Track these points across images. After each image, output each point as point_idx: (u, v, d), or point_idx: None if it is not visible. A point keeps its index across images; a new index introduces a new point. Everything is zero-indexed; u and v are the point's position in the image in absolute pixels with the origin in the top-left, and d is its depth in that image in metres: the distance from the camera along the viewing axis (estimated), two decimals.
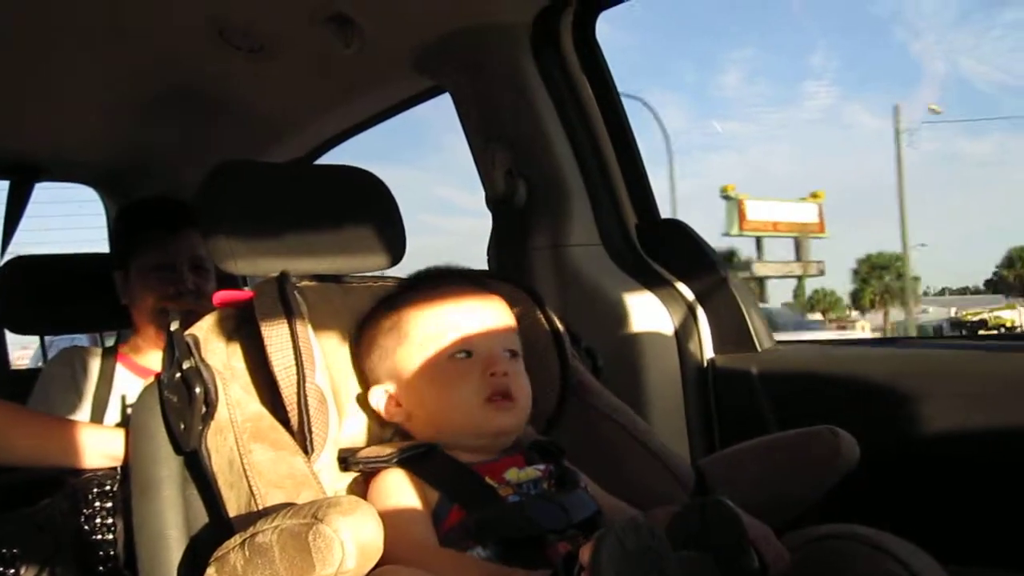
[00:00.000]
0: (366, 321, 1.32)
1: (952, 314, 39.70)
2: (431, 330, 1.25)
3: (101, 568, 1.46)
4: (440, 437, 1.22)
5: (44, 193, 2.95)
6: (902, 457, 1.59)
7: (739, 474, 1.39)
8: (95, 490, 1.47)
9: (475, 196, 2.18)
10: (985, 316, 34.64)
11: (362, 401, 1.31)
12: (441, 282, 1.32)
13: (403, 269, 1.48)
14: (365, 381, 1.31)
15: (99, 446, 1.47)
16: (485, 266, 2.19)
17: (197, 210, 2.07)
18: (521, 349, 1.30)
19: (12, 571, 1.41)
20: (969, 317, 36.15)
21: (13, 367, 3.00)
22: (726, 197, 28.55)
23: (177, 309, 1.94)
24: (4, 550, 1.41)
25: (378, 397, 1.27)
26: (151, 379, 1.26)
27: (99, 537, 1.46)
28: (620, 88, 2.10)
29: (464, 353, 1.23)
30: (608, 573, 0.85)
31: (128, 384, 1.98)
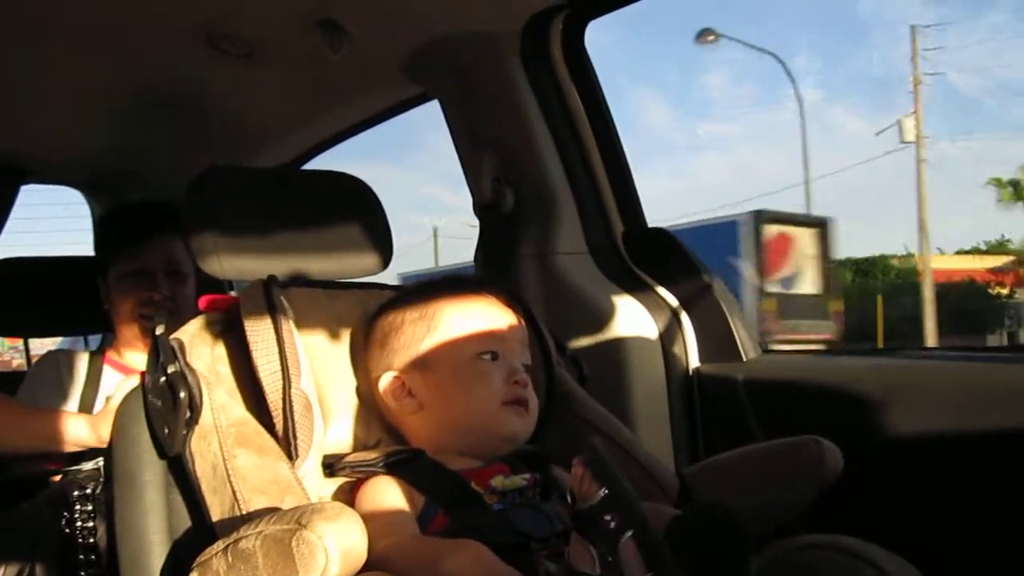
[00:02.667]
0: (387, 308, 1.33)
1: None
2: (463, 325, 1.26)
3: (83, 573, 1.46)
4: (440, 436, 1.23)
5: (31, 195, 2.94)
6: (886, 467, 1.59)
7: (723, 483, 1.39)
8: (76, 493, 1.47)
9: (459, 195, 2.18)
10: None
11: (348, 407, 1.31)
12: (471, 285, 1.34)
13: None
14: (365, 374, 1.31)
15: (70, 432, 1.48)
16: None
17: (176, 214, 2.09)
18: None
19: None
20: None
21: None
22: None
23: (153, 315, 1.96)
24: None
25: (392, 383, 1.27)
26: (137, 377, 1.26)
27: (80, 540, 1.46)
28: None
29: (490, 355, 1.25)
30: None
31: (115, 384, 1.97)
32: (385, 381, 1.27)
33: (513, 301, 1.37)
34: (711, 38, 17.86)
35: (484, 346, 1.26)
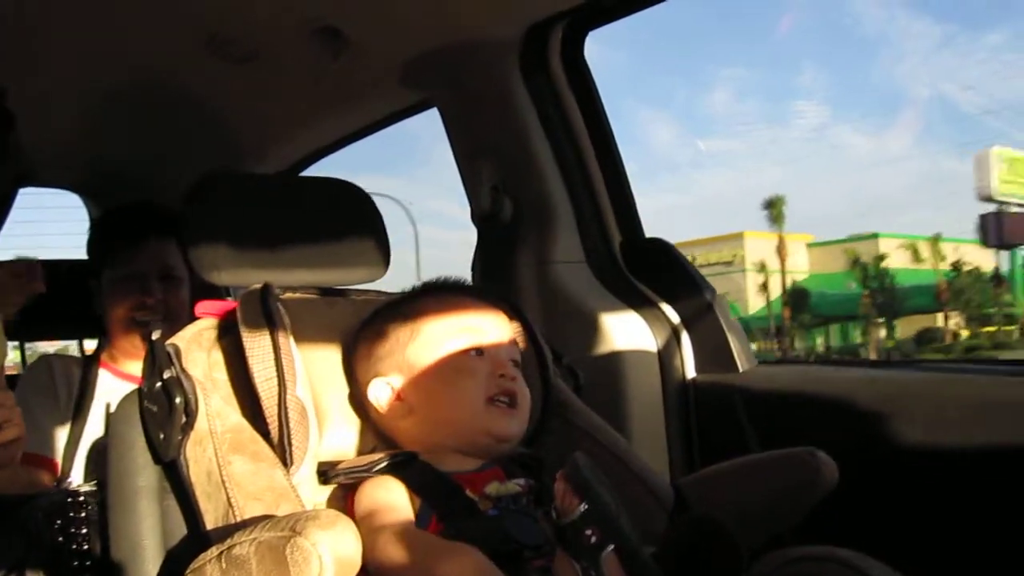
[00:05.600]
0: (372, 317, 1.33)
1: None
2: (445, 327, 1.27)
3: None
4: (433, 439, 1.23)
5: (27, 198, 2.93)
6: (880, 478, 1.59)
7: (718, 494, 1.39)
8: (70, 500, 1.46)
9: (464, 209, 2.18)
10: None
11: (344, 414, 1.30)
12: (452, 287, 1.35)
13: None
14: (356, 384, 1.31)
15: None
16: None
17: (170, 217, 2.08)
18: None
19: None
20: None
21: None
22: None
23: (147, 320, 1.94)
24: None
25: (380, 389, 1.27)
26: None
27: (74, 547, 1.45)
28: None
29: (475, 351, 1.25)
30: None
31: (112, 389, 1.96)
32: (373, 388, 1.27)
33: (500, 301, 1.37)
34: None
35: (467, 342, 1.26)
